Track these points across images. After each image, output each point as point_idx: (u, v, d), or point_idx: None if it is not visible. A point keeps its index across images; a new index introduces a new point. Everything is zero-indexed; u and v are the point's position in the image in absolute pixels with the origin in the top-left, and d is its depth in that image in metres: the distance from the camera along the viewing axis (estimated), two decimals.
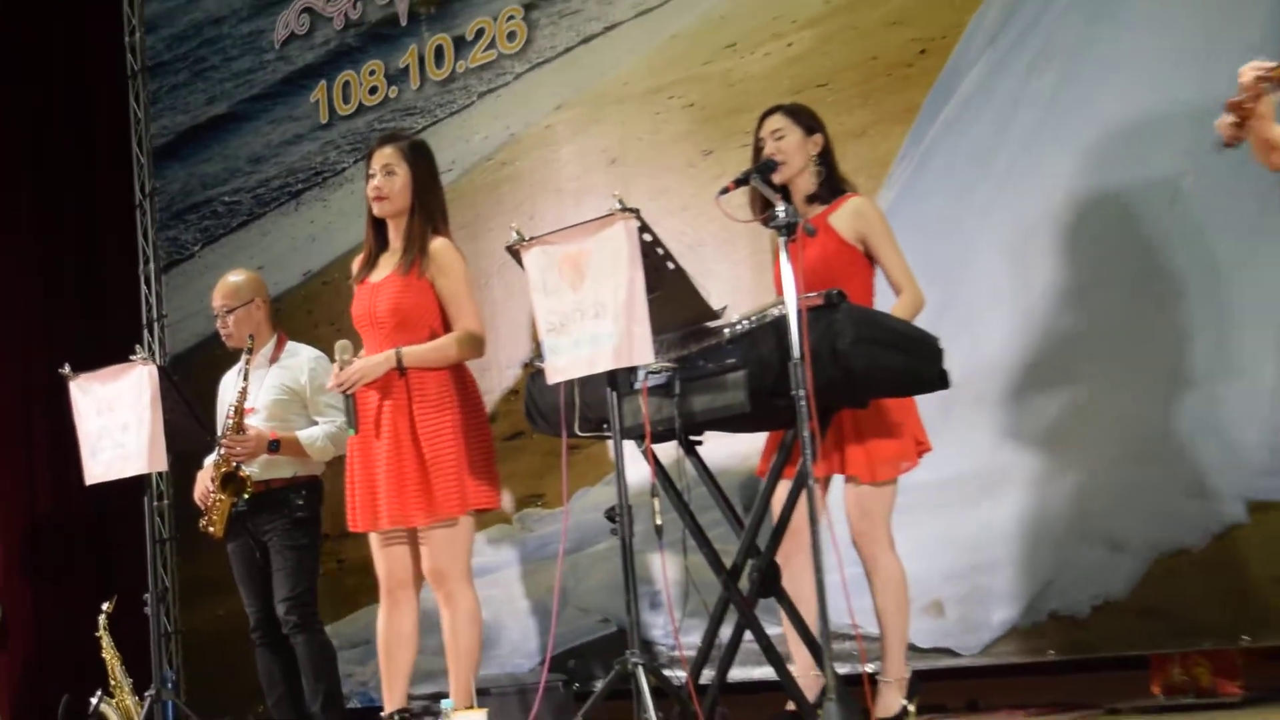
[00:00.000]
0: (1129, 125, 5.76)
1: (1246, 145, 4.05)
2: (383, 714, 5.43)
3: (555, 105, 7.49)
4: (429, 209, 5.39)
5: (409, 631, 5.35)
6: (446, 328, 5.32)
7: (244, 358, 6.16)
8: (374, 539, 5.34)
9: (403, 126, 7.97)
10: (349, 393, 5.20)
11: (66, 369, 6.10)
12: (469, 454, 5.20)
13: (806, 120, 5.12)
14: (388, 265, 5.36)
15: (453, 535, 5.20)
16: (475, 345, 5.35)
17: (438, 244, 5.31)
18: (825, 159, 5.11)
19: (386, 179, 5.34)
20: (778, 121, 5.11)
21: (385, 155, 5.39)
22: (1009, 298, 6.02)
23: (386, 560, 5.32)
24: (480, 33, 7.75)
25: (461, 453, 5.18)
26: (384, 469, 5.19)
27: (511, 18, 7.62)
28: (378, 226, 5.45)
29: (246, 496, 6.31)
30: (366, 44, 8.22)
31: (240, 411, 6.09)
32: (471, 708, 4.86)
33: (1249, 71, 3.91)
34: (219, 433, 6.34)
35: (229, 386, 6.32)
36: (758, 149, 5.11)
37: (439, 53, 7.91)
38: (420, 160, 5.44)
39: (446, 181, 7.70)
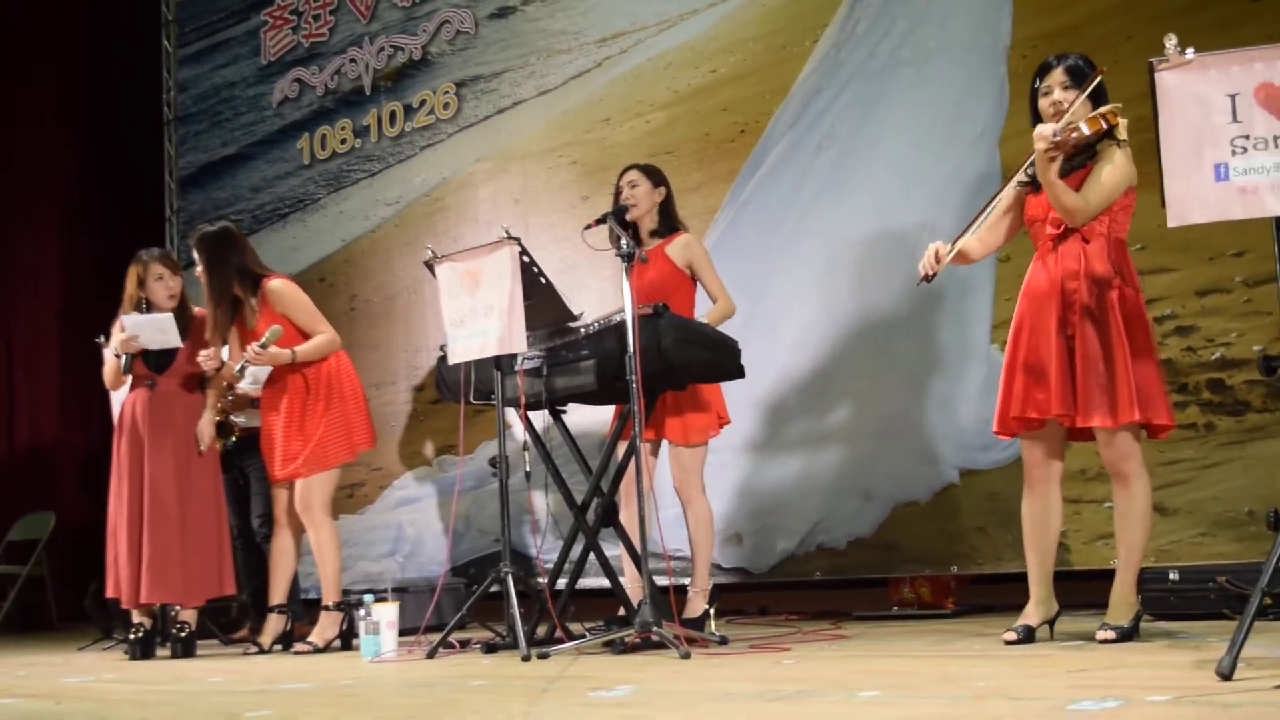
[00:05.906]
0: (889, 187, 5.77)
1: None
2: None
3: (476, 158, 7.39)
4: (224, 281, 5.35)
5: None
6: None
7: None
8: None
9: (365, 170, 7.90)
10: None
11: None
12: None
13: (654, 176, 5.04)
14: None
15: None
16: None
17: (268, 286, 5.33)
18: (666, 205, 5.03)
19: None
20: (633, 175, 5.03)
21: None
22: (796, 312, 5.99)
23: None
24: (423, 102, 7.64)
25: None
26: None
27: (447, 92, 7.54)
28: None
29: (234, 439, 6.20)
30: (340, 107, 8.10)
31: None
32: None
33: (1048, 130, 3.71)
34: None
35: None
36: (618, 194, 5.03)
37: (393, 116, 7.80)
38: (202, 248, 5.41)
39: (394, 211, 7.70)
